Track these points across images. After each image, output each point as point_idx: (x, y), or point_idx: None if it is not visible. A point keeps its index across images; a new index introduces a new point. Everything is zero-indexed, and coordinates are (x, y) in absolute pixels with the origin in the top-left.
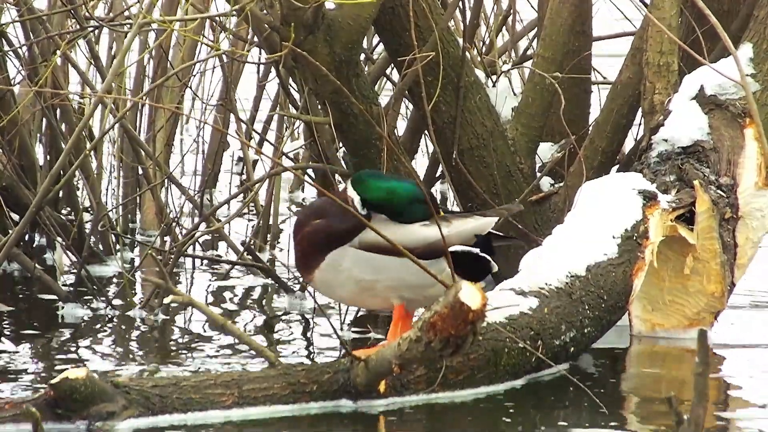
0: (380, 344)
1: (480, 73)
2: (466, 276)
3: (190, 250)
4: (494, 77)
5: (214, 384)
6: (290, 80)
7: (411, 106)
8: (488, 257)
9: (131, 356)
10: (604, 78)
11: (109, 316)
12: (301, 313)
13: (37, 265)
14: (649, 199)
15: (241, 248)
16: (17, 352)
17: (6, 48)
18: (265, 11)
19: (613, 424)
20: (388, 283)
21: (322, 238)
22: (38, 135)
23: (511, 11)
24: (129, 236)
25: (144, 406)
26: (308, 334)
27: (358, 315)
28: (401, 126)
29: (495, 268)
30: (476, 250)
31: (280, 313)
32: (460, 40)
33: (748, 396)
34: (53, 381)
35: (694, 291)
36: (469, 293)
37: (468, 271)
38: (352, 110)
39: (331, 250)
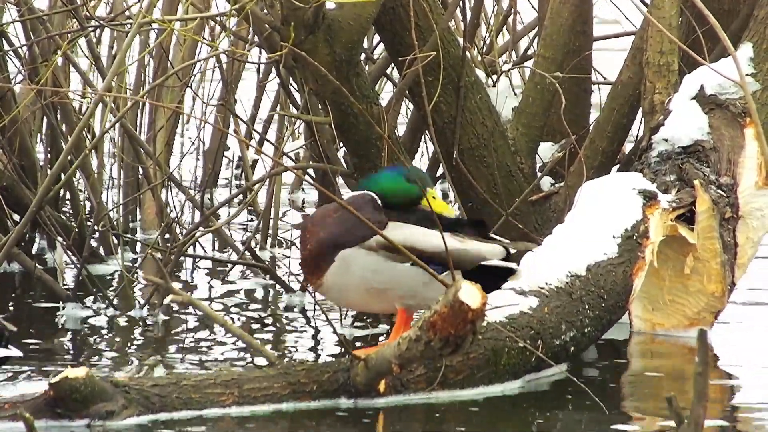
0: (380, 344)
1: (480, 73)
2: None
3: (190, 250)
4: (495, 77)
5: (214, 383)
6: (290, 80)
7: (411, 106)
8: (514, 267)
9: (131, 356)
10: (605, 78)
11: (110, 316)
12: (301, 313)
13: (37, 264)
14: (649, 198)
15: (242, 248)
16: (17, 351)
17: (6, 48)
18: (265, 11)
19: (612, 423)
20: (399, 292)
21: (339, 232)
22: (39, 135)
23: (512, 11)
24: (129, 236)
25: (144, 406)
26: (308, 334)
27: (359, 315)
28: (402, 126)
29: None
30: (507, 264)
31: (280, 313)
32: (461, 40)
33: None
34: (53, 380)
35: (694, 290)
36: (469, 292)
37: (492, 284)
38: (353, 110)
39: (345, 248)
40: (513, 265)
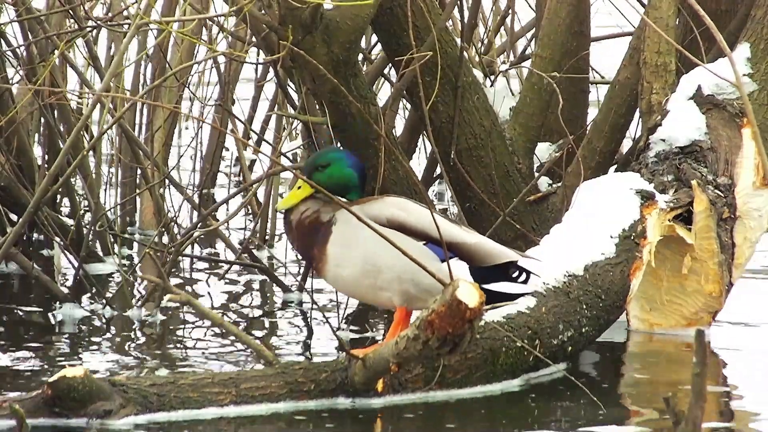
0: (378, 343)
1: (478, 73)
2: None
3: (188, 250)
4: (492, 77)
5: (212, 383)
6: (288, 80)
7: (409, 106)
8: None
9: (129, 355)
10: (602, 78)
11: (107, 316)
12: (298, 312)
13: (35, 264)
14: (646, 198)
15: (239, 248)
16: (15, 351)
17: (4, 48)
18: (263, 11)
19: (611, 423)
20: (400, 273)
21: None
22: (36, 135)
23: (509, 11)
24: (127, 236)
25: (141, 405)
26: (306, 333)
27: (356, 315)
28: (399, 126)
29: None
30: (523, 290)
31: (277, 313)
32: (458, 40)
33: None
34: (51, 379)
35: (691, 291)
36: (467, 291)
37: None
38: (350, 110)
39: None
40: (530, 289)
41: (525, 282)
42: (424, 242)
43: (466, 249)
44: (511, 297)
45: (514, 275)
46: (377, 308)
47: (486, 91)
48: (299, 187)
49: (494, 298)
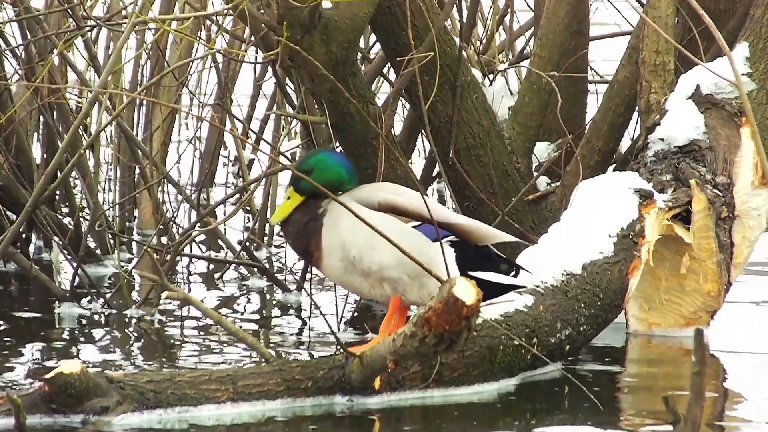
0: (374, 339)
1: (477, 73)
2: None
3: (186, 250)
4: (491, 76)
5: (209, 380)
6: (287, 80)
7: (408, 106)
8: (521, 285)
9: (128, 354)
10: (601, 77)
11: (106, 314)
12: (296, 311)
13: (33, 264)
14: (645, 198)
15: (238, 247)
16: (13, 350)
17: (3, 47)
18: (261, 10)
19: (608, 421)
20: (382, 258)
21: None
22: (35, 134)
23: (508, 10)
24: (126, 235)
25: (138, 401)
26: (303, 332)
27: (355, 315)
28: (398, 125)
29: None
30: (514, 281)
31: (275, 311)
32: (457, 40)
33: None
34: (48, 376)
35: (690, 290)
36: (464, 288)
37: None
38: (349, 109)
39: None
40: (519, 282)
41: (515, 276)
42: (419, 223)
43: (459, 228)
44: (502, 289)
45: (504, 269)
46: (375, 307)
47: (485, 91)
48: (288, 198)
49: (483, 289)
